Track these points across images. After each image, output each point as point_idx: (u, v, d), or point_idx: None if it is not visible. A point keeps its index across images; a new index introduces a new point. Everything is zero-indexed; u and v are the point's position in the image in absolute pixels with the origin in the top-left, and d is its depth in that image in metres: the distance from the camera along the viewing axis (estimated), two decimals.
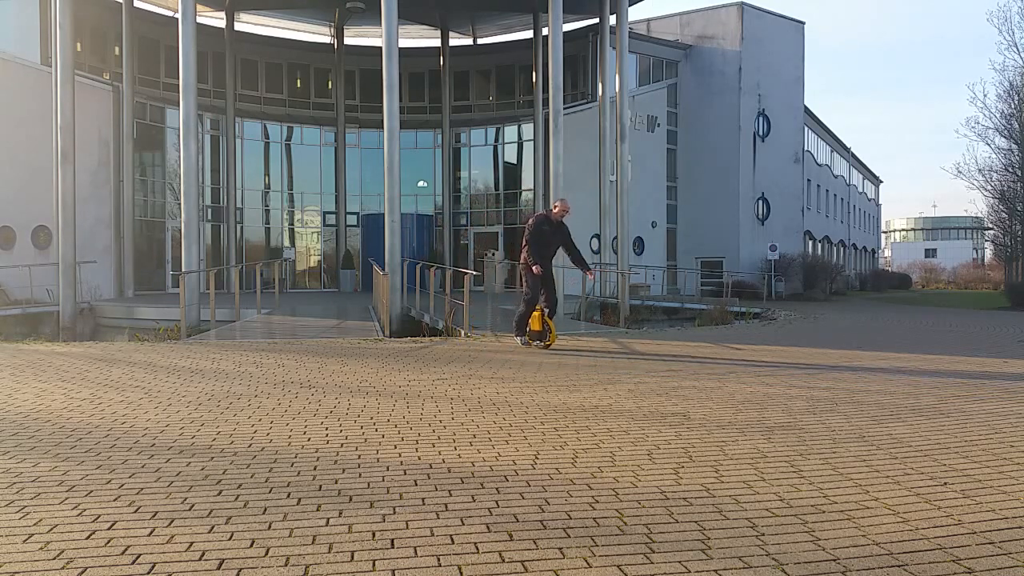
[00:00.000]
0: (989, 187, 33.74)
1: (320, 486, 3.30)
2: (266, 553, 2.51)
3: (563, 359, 8.11)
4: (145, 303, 19.41)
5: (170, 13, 25.52)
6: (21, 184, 20.26)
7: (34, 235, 20.89)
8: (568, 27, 24.34)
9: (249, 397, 5.59)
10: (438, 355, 8.47)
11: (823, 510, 3.00)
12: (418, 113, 30.31)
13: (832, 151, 43.70)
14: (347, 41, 29.95)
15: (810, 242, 36.60)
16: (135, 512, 2.93)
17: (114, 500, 3.09)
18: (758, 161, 30.42)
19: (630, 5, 23.15)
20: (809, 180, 36.33)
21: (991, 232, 44.11)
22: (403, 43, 20.34)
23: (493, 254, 28.43)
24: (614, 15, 22.19)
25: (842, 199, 45.97)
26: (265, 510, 2.96)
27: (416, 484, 3.33)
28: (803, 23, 32.22)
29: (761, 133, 30.53)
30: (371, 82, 28.69)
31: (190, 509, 2.97)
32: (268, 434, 4.34)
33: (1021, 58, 34.47)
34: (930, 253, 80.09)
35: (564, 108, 19.41)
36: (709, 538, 2.67)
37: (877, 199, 62.21)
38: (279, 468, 3.60)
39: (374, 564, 2.41)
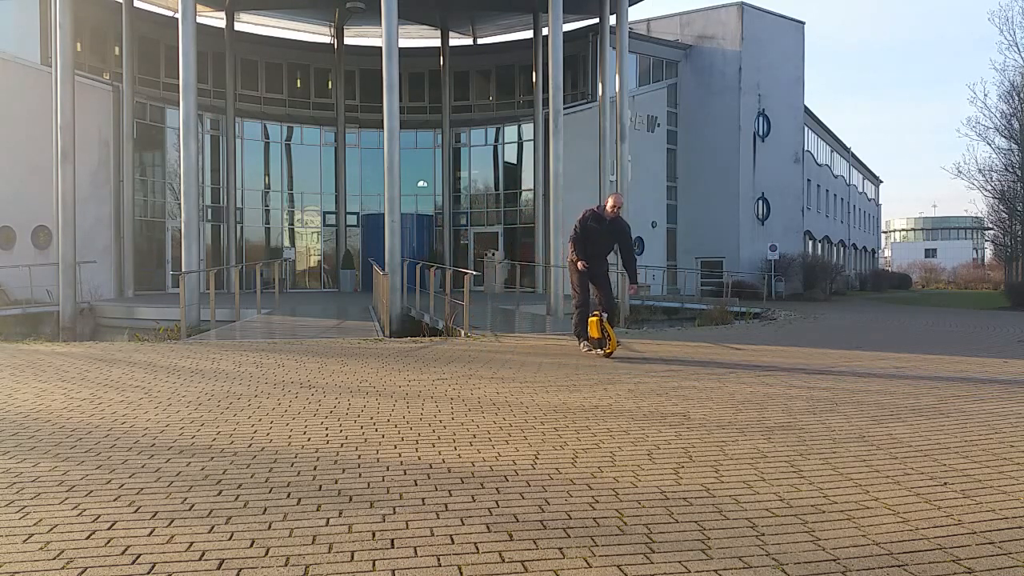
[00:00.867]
0: (989, 187, 33.77)
1: (320, 486, 3.30)
2: (266, 553, 2.51)
3: (563, 359, 8.11)
4: (145, 303, 19.42)
5: (170, 13, 25.52)
6: (21, 184, 20.27)
7: (34, 235, 20.89)
8: (568, 27, 24.34)
9: (249, 397, 5.59)
10: (438, 355, 8.47)
11: (823, 510, 3.00)
12: (418, 113, 30.31)
13: (832, 151, 43.70)
14: (347, 41, 29.96)
15: (810, 242, 36.60)
16: (135, 512, 2.93)
17: (114, 500, 3.09)
18: (758, 161, 30.42)
19: (630, 5, 23.14)
20: (809, 180, 36.33)
21: (991, 232, 44.10)
22: (403, 43, 20.34)
23: (493, 254, 28.43)
24: (614, 15, 22.17)
25: (842, 199, 45.97)
26: (265, 510, 2.96)
27: (416, 484, 3.33)
28: (803, 23, 32.23)
29: (761, 133, 30.53)
30: (371, 82, 28.70)
31: (190, 509, 2.97)
32: (268, 434, 4.34)
33: (1021, 58, 34.50)
34: (930, 253, 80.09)
35: (564, 108, 19.40)
36: (709, 538, 2.67)
37: (877, 199, 62.21)
38: (279, 468, 3.60)
39: (374, 564, 2.41)
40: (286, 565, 2.40)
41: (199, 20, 19.42)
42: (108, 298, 21.44)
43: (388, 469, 3.59)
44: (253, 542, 2.61)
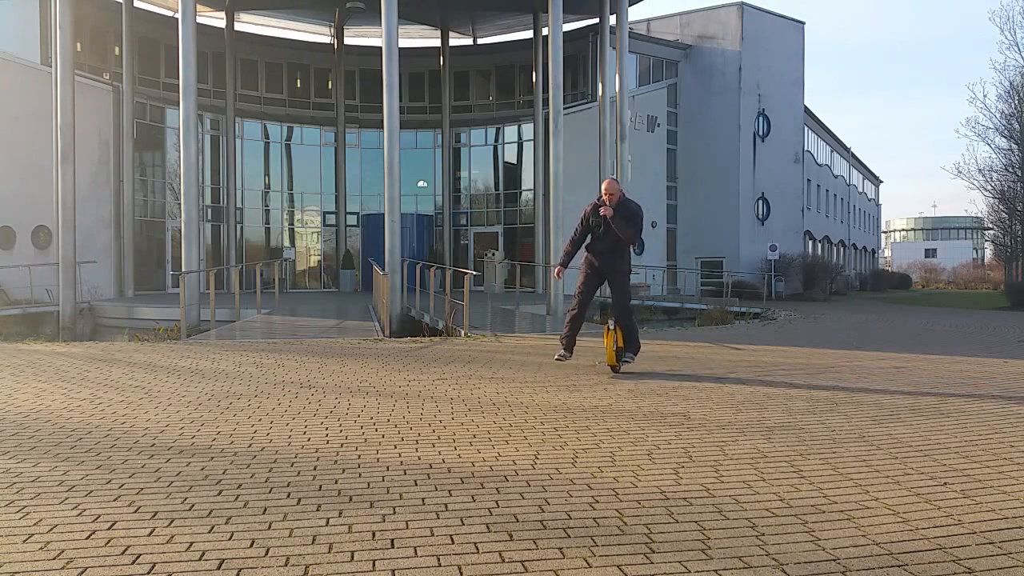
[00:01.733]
0: (989, 187, 33.80)
1: (320, 486, 3.30)
2: (266, 553, 2.51)
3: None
4: (145, 303, 19.42)
5: (170, 13, 25.53)
6: (21, 184, 20.27)
7: (34, 235, 20.89)
8: (568, 27, 24.34)
9: (249, 397, 5.59)
10: (438, 355, 8.47)
11: (823, 510, 3.00)
12: (418, 113, 30.31)
13: (832, 151, 43.70)
14: (347, 41, 29.95)
15: (810, 242, 36.60)
16: (135, 512, 2.93)
17: (114, 500, 3.09)
18: (758, 161, 30.42)
19: (630, 5, 23.15)
20: (809, 180, 36.34)
21: (991, 232, 44.13)
22: (403, 43, 20.34)
23: (493, 254, 28.43)
24: (614, 15, 22.18)
25: (842, 199, 45.97)
26: (265, 510, 2.96)
27: (416, 484, 3.33)
28: (803, 23, 32.23)
29: (761, 133, 30.53)
30: (371, 82, 28.69)
31: (190, 509, 2.97)
32: (268, 434, 4.34)
33: (1022, 57, 34.50)
34: (930, 253, 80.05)
35: (564, 108, 19.40)
36: (709, 538, 2.67)
37: (877, 199, 62.22)
38: (279, 468, 3.60)
39: (374, 564, 2.41)
40: (286, 565, 2.40)
41: (199, 20, 19.41)
42: (108, 298, 21.44)
43: (388, 469, 3.59)
44: (253, 542, 2.61)
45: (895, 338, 11.58)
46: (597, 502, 3.08)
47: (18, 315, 17.62)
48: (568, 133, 20.49)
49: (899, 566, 2.42)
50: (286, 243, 29.81)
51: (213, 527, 2.76)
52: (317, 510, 2.96)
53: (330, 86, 30.09)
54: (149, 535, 2.67)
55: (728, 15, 30.20)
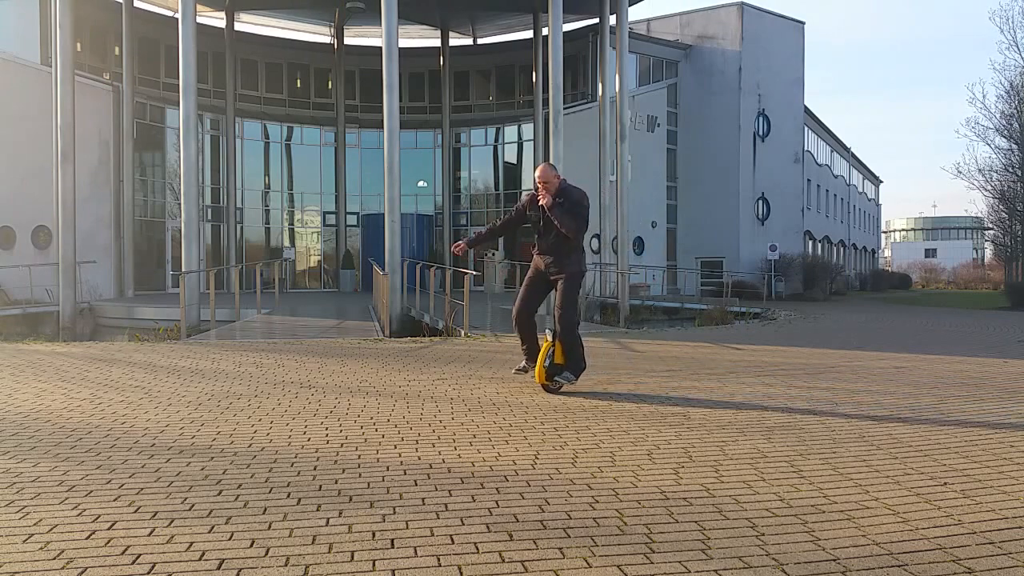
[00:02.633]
0: (989, 187, 33.80)
1: (320, 486, 3.30)
2: (266, 553, 2.51)
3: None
4: (145, 303, 19.42)
5: (170, 13, 25.53)
6: (21, 184, 20.28)
7: (34, 235, 20.89)
8: (568, 27, 24.34)
9: (249, 397, 5.59)
10: (438, 355, 8.46)
11: (823, 510, 3.00)
12: (418, 113, 30.32)
13: (832, 151, 43.70)
14: (347, 41, 29.96)
15: (810, 242, 36.61)
16: (135, 512, 2.93)
17: (114, 500, 3.09)
18: (758, 161, 30.42)
19: (630, 5, 23.15)
20: (809, 180, 36.34)
21: (991, 232, 44.14)
22: (403, 43, 20.34)
23: (493, 254, 28.43)
24: (614, 15, 22.19)
25: (842, 199, 45.98)
26: (265, 510, 2.96)
27: (416, 484, 3.33)
28: (803, 23, 32.23)
29: (761, 133, 30.53)
30: (371, 82, 28.70)
31: (190, 509, 2.97)
32: (268, 434, 4.34)
33: (1022, 58, 34.51)
34: (930, 253, 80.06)
35: (564, 108, 19.41)
36: (709, 538, 2.67)
37: (877, 199, 62.22)
38: (279, 468, 3.60)
39: (374, 564, 2.41)
40: (286, 565, 2.40)
41: (199, 20, 19.42)
42: (108, 298, 21.45)
43: (388, 469, 3.59)
44: (253, 542, 2.61)
45: (895, 338, 11.58)
46: (597, 502, 3.08)
47: (18, 315, 17.61)
48: (568, 133, 20.50)
49: (899, 566, 2.41)
50: (286, 243, 29.82)
51: (213, 527, 2.76)
52: (317, 510, 2.96)
53: (330, 86, 30.09)
54: (149, 535, 2.67)
55: (728, 15, 30.20)
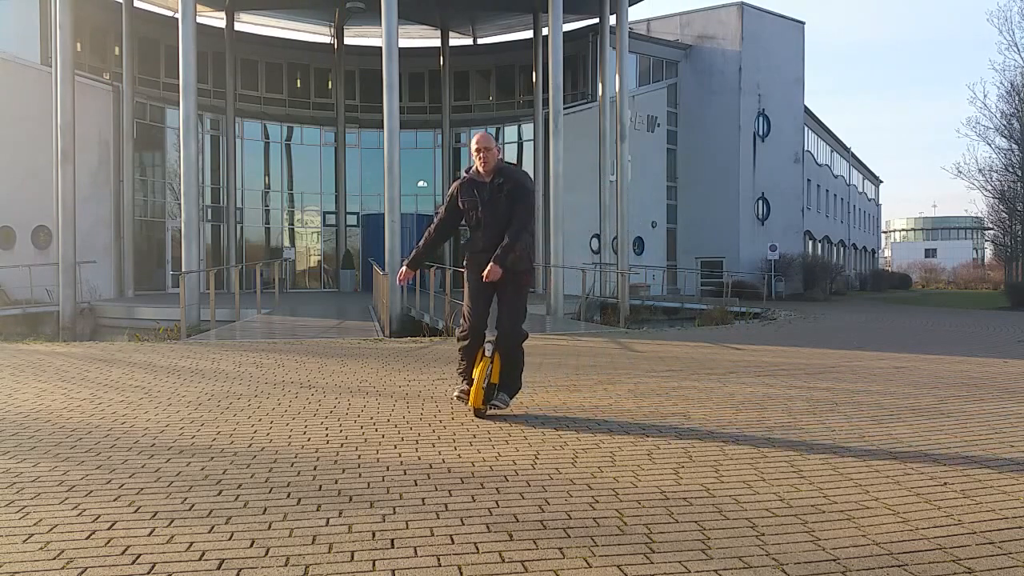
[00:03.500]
0: (989, 187, 33.83)
1: (320, 486, 3.30)
2: (266, 553, 2.51)
3: (563, 359, 8.11)
4: (145, 303, 19.41)
5: (170, 13, 25.53)
6: (21, 184, 20.27)
7: (34, 235, 20.89)
8: (568, 27, 24.33)
9: (249, 397, 5.60)
10: (438, 355, 8.46)
11: (823, 510, 3.00)
12: (418, 113, 30.31)
13: (832, 151, 43.70)
14: (347, 41, 29.96)
15: (810, 242, 36.61)
16: (135, 512, 2.93)
17: (114, 500, 3.09)
18: (758, 161, 30.42)
19: (630, 5, 23.15)
20: (809, 180, 36.34)
21: (991, 232, 44.16)
22: (403, 43, 20.34)
23: None
24: (614, 15, 22.19)
25: (842, 199, 45.98)
26: (265, 510, 2.96)
27: (416, 484, 3.33)
28: (803, 23, 32.24)
29: (761, 133, 30.53)
30: (371, 82, 28.69)
31: (190, 509, 2.97)
32: (268, 434, 4.34)
33: (1021, 58, 34.53)
34: (930, 253, 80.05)
35: (564, 108, 19.40)
36: (709, 538, 2.67)
37: (877, 199, 62.22)
38: (279, 468, 3.60)
39: (374, 564, 2.41)
40: (286, 565, 2.40)
41: (199, 20, 19.41)
42: (108, 298, 21.44)
43: (388, 469, 3.59)
44: (253, 542, 2.61)
45: (895, 338, 11.58)
46: (597, 502, 3.08)
47: (18, 315, 17.61)
48: (568, 133, 20.50)
49: (899, 566, 2.42)
50: (286, 243, 29.81)
51: (213, 527, 2.76)
52: (317, 510, 2.96)
53: (330, 86, 30.09)
54: (149, 535, 2.67)
55: (728, 15, 30.20)
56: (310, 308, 18.07)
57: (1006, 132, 30.61)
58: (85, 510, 2.96)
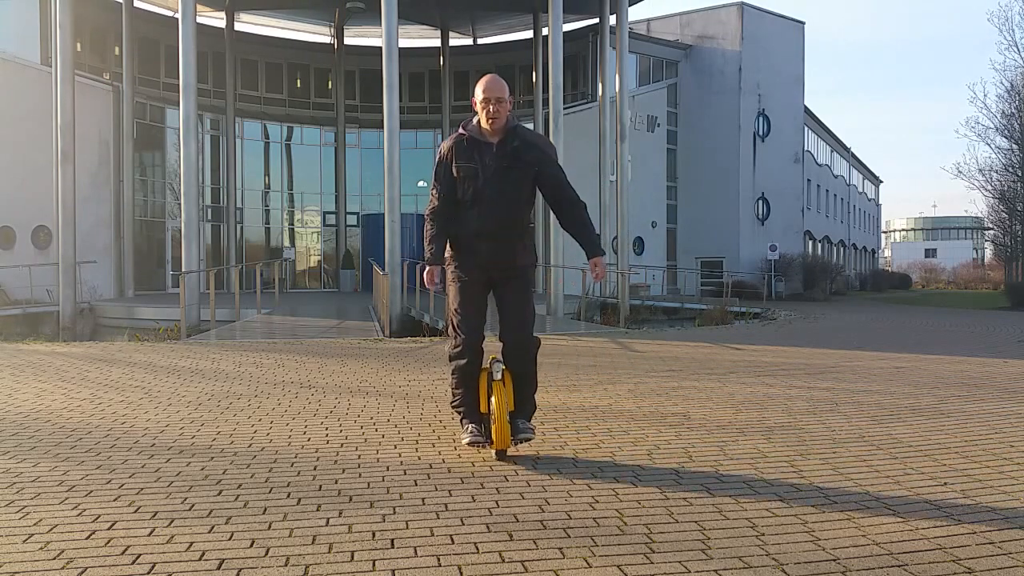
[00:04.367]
0: (989, 187, 33.83)
1: (320, 486, 3.30)
2: (266, 553, 2.51)
3: (563, 359, 8.10)
4: (145, 303, 19.41)
5: (170, 13, 25.52)
6: (21, 184, 20.27)
7: (34, 235, 20.89)
8: (568, 27, 24.33)
9: (249, 397, 5.59)
10: (438, 355, 8.46)
11: (823, 510, 3.00)
12: (418, 113, 30.31)
13: (832, 151, 43.71)
14: (347, 41, 29.96)
15: (810, 242, 36.62)
16: (135, 512, 2.93)
17: (114, 500, 3.09)
18: (758, 161, 30.43)
19: (630, 5, 23.15)
20: (809, 180, 36.35)
21: (991, 232, 44.16)
22: (403, 43, 20.33)
23: None
24: (614, 15, 22.19)
25: (842, 199, 45.99)
26: (265, 510, 2.96)
27: (416, 484, 3.33)
28: (803, 23, 32.25)
29: (761, 133, 30.54)
30: (371, 82, 28.70)
31: (190, 509, 2.97)
32: (268, 434, 4.34)
33: (1021, 58, 34.52)
34: (930, 253, 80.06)
35: (564, 108, 19.40)
36: (709, 538, 2.67)
37: (877, 199, 62.22)
38: (279, 468, 3.60)
39: (374, 564, 2.41)
40: (286, 565, 2.40)
41: (199, 20, 19.40)
42: (108, 298, 21.44)
43: (388, 469, 3.59)
44: (253, 542, 2.61)
45: (895, 338, 11.57)
46: (597, 502, 3.08)
47: (18, 315, 17.60)
48: (568, 133, 20.48)
49: (899, 566, 2.41)
50: (286, 243, 29.81)
51: (213, 527, 2.76)
52: (317, 510, 2.96)
53: (330, 86, 30.09)
54: (149, 535, 2.67)
55: (728, 15, 30.21)
56: (310, 308, 18.07)
57: (1006, 132, 30.62)
58: (85, 510, 2.95)
